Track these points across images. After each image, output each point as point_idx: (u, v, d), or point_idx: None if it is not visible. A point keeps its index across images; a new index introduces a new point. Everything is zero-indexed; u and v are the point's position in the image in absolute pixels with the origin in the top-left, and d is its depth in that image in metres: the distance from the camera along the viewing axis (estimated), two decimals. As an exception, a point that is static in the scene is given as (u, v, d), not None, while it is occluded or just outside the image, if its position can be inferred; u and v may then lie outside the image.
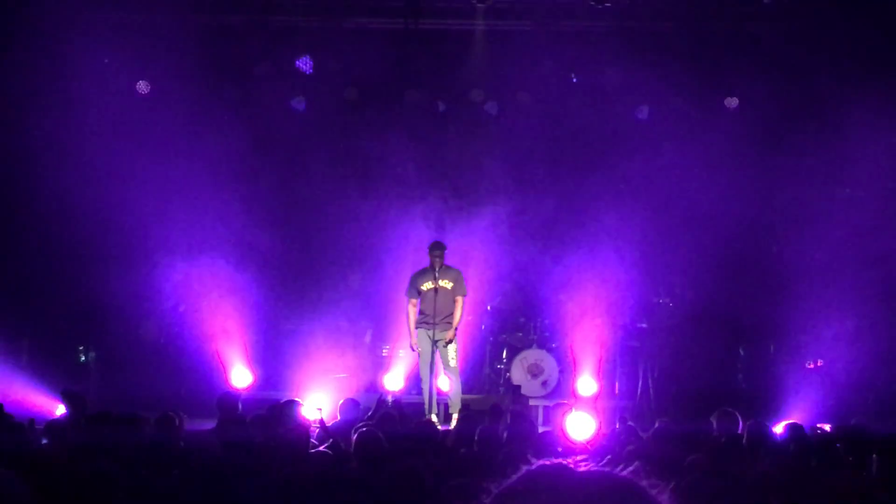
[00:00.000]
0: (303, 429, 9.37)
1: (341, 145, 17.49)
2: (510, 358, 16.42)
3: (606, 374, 16.15)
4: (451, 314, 14.15)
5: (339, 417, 11.28)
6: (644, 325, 16.48)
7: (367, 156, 17.36)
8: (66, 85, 16.07)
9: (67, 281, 16.24)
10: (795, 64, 16.13)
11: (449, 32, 16.91)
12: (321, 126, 17.41)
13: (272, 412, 9.90)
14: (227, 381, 15.71)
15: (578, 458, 2.86)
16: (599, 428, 10.75)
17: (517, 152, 17.23)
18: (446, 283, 14.14)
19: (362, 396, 13.55)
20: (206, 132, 17.05)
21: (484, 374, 16.75)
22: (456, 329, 14.19)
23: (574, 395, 15.54)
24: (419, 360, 14.34)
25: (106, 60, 16.65)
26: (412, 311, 14.31)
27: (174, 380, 15.72)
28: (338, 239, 17.47)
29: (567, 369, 16.18)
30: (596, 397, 15.56)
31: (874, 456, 8.15)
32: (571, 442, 9.23)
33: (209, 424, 10.62)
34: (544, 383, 16.13)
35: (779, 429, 10.15)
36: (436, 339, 14.01)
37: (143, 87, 16.98)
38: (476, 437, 9.15)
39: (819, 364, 15.98)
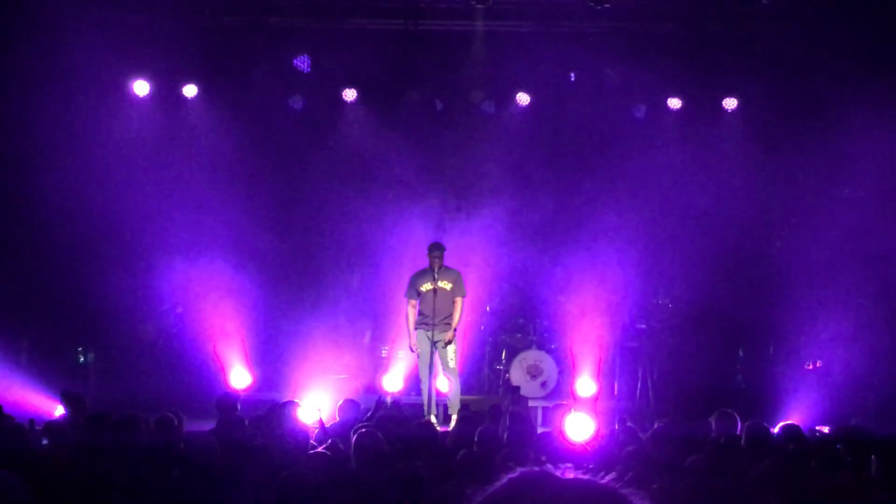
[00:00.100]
0: (301, 430, 9.37)
1: (340, 146, 17.49)
2: (509, 359, 16.41)
3: (605, 375, 16.15)
4: (451, 315, 14.14)
5: (337, 418, 11.27)
6: (643, 326, 16.48)
7: (367, 157, 17.36)
8: (65, 85, 16.06)
9: (66, 282, 16.23)
10: (794, 64, 16.13)
11: (448, 33, 16.90)
12: (320, 127, 17.42)
13: (271, 413, 9.89)
14: (226, 381, 15.71)
15: (561, 465, 2.89)
16: (598, 429, 10.74)
17: (516, 153, 17.23)
18: (445, 284, 14.13)
19: (361, 397, 13.55)
20: (204, 133, 17.08)
21: (483, 375, 16.75)
22: (455, 330, 14.18)
23: (573, 395, 15.54)
24: (418, 361, 14.34)
25: (104, 61, 16.64)
26: (411, 312, 14.30)
27: (173, 380, 15.72)
28: (337, 240, 17.48)
29: (566, 370, 16.18)
30: (595, 398, 15.56)
31: (873, 457, 8.14)
32: (570, 443, 9.22)
33: (208, 425, 10.61)
34: (543, 384, 16.13)
35: (777, 429, 10.15)
36: (435, 339, 14.01)
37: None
38: (476, 439, 9.14)
39: (818, 365, 15.99)
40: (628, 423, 11.25)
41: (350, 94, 17.35)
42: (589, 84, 17.02)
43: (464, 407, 13.74)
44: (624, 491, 2.85)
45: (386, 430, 9.08)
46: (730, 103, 17.00)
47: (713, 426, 10.01)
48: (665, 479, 7.51)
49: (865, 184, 15.99)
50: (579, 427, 10.27)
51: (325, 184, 17.18)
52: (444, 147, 17.58)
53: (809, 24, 15.77)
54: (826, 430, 11.11)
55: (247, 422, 10.26)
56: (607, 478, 2.87)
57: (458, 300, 14.21)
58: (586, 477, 2.86)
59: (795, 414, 13.37)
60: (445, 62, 17.10)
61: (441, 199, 17.25)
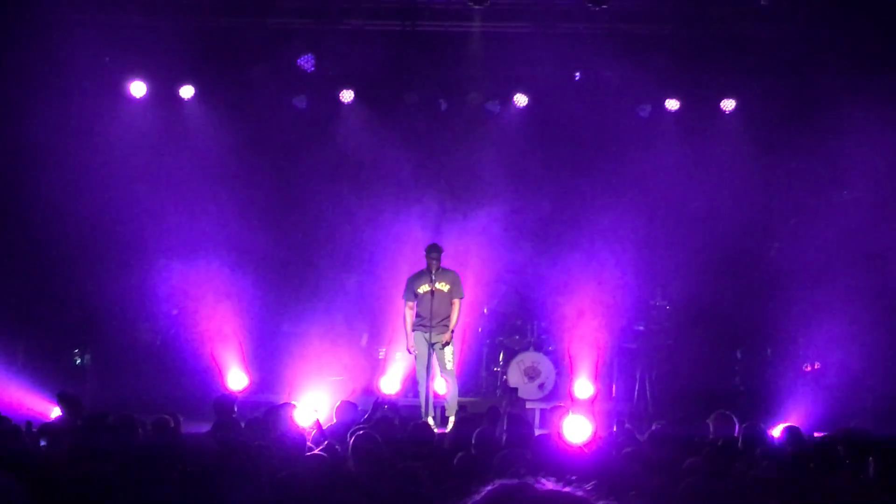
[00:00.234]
0: (298, 432, 9.35)
1: (338, 147, 17.48)
2: (507, 361, 16.40)
3: (603, 377, 16.14)
4: (448, 317, 14.13)
5: (335, 420, 11.26)
6: (641, 328, 16.48)
7: (364, 158, 17.36)
8: (63, 86, 16.05)
9: (64, 283, 16.22)
10: (792, 66, 16.14)
11: (445, 34, 16.90)
12: (318, 128, 17.41)
13: (268, 415, 9.88)
14: (222, 383, 15.70)
15: (540, 477, 2.96)
16: (596, 431, 10.73)
17: (514, 154, 17.23)
18: (443, 286, 14.12)
19: (359, 399, 13.53)
20: (201, 134, 17.06)
21: (481, 377, 16.74)
22: (453, 331, 14.17)
23: (571, 397, 15.53)
24: (416, 363, 14.33)
25: (103, 62, 16.64)
26: (409, 314, 14.29)
27: (170, 382, 15.70)
28: (334, 241, 17.48)
29: (564, 372, 16.17)
30: (593, 400, 15.56)
31: (870, 458, 8.14)
32: (568, 445, 9.21)
33: (205, 427, 10.60)
34: (541, 386, 16.12)
35: (776, 431, 10.14)
36: (432, 341, 13.99)
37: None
38: (473, 440, 9.13)
39: (816, 367, 15.98)
40: (626, 425, 11.24)
41: (347, 95, 17.35)
42: (587, 85, 17.02)
43: (461, 409, 13.73)
44: (599, 502, 2.93)
45: (383, 432, 9.06)
46: (728, 104, 17.01)
47: (711, 428, 10.00)
48: (663, 480, 7.50)
49: (863, 185, 16.00)
50: (577, 429, 10.25)
51: (323, 185, 17.17)
52: (441, 148, 17.58)
53: (807, 25, 15.79)
54: (822, 434, 11.07)
55: (243, 424, 10.24)
56: (586, 488, 2.92)
57: (456, 302, 14.20)
58: (565, 489, 2.92)
59: (793, 416, 13.37)
60: (443, 63, 17.10)
61: (439, 200, 17.25)
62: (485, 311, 16.89)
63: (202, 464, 7.97)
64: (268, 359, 16.31)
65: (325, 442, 9.31)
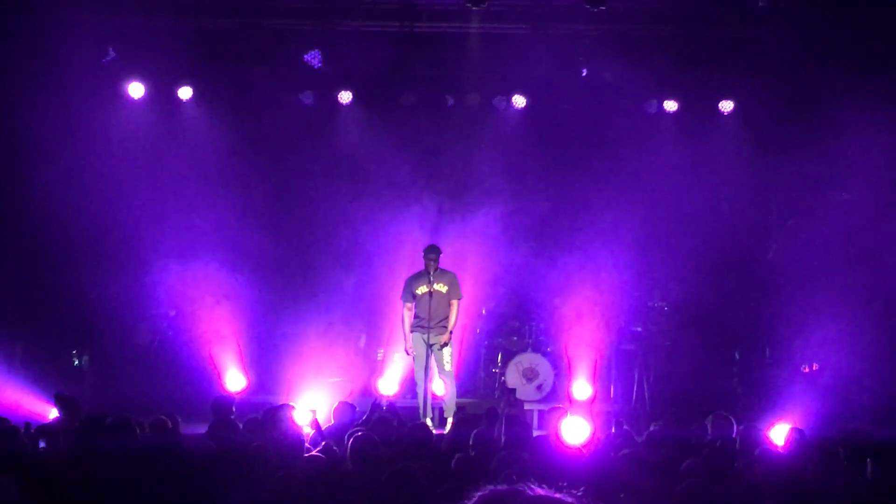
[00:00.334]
0: (297, 433, 9.35)
1: (336, 148, 17.49)
2: (505, 362, 16.41)
3: (601, 378, 16.15)
4: (447, 318, 14.13)
5: (333, 421, 11.25)
6: (639, 329, 16.49)
7: (362, 158, 17.36)
8: (62, 87, 16.03)
9: (61, 284, 16.21)
10: (790, 67, 16.15)
11: (444, 35, 16.89)
12: (316, 129, 17.40)
13: (266, 416, 9.88)
14: (220, 384, 15.69)
15: (531, 483, 2.98)
16: (594, 432, 10.72)
17: (512, 155, 17.24)
18: (441, 287, 14.12)
19: (357, 400, 13.52)
20: (199, 135, 17.07)
21: (479, 378, 16.74)
22: (451, 333, 14.17)
23: (569, 399, 15.53)
24: (414, 364, 14.32)
25: (102, 63, 16.64)
26: (407, 315, 14.29)
27: (168, 383, 15.69)
28: (332, 242, 17.48)
29: (562, 373, 16.18)
30: (591, 401, 15.55)
31: (868, 460, 8.15)
32: (566, 446, 9.21)
33: (203, 428, 10.58)
34: (539, 387, 16.12)
35: (776, 432, 10.14)
36: (431, 342, 13.99)
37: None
38: (471, 441, 9.12)
39: (814, 368, 15.98)
40: (624, 427, 11.24)
41: (346, 96, 17.36)
42: (585, 86, 17.01)
43: (459, 410, 13.73)
44: None
45: (381, 433, 9.06)
46: (726, 105, 17.03)
47: (709, 429, 10.01)
48: (660, 481, 7.50)
49: (861, 186, 16.01)
50: (575, 430, 10.25)
51: (321, 186, 17.17)
52: (439, 149, 17.58)
53: (805, 27, 15.79)
54: (820, 435, 11.07)
55: (241, 425, 10.23)
56: (577, 494, 2.95)
57: (454, 303, 14.20)
58: (556, 495, 2.95)
59: (791, 417, 13.37)
60: (441, 64, 17.10)
61: (437, 201, 17.25)
62: (483, 311, 16.89)
63: (200, 465, 7.97)
64: (266, 360, 16.31)
65: (323, 443, 9.31)
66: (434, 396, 14.23)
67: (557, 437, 9.78)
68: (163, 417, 9.92)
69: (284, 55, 17.04)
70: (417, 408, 14.07)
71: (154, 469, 7.90)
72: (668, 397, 15.51)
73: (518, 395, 14.76)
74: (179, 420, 10.31)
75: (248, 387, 15.93)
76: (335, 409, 11.45)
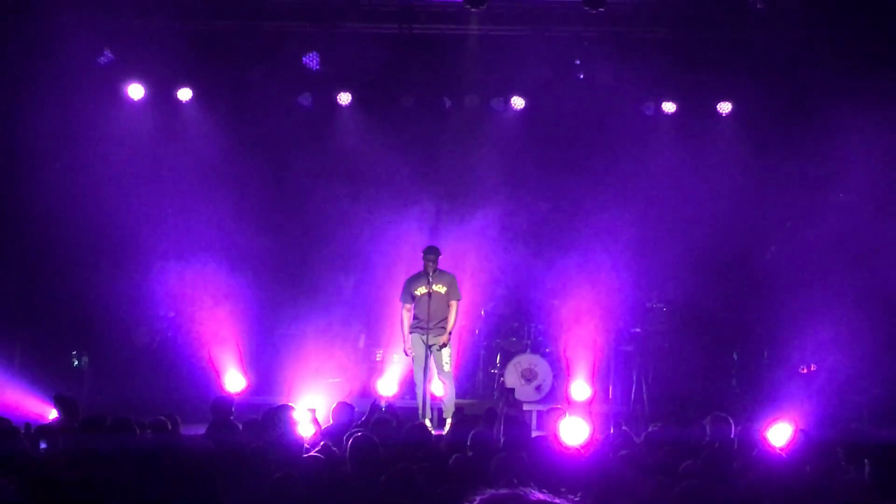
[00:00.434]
0: (296, 434, 9.37)
1: (335, 149, 17.50)
2: (504, 363, 16.42)
3: (600, 379, 16.16)
4: (446, 318, 14.15)
5: (331, 421, 11.26)
6: (638, 330, 16.50)
7: (362, 160, 17.37)
8: (61, 89, 16.05)
9: (61, 285, 16.22)
10: (788, 69, 16.16)
11: (442, 37, 16.91)
12: (314, 131, 17.42)
13: (266, 417, 9.89)
14: (220, 385, 15.69)
15: (530, 487, 3.00)
16: (593, 433, 10.74)
17: (511, 157, 17.25)
18: (440, 288, 14.14)
19: (356, 401, 13.52)
20: (199, 136, 17.08)
21: (478, 379, 16.75)
22: (450, 333, 14.19)
23: (568, 399, 15.54)
24: (413, 365, 14.34)
25: (101, 64, 16.65)
26: (406, 316, 14.30)
27: (167, 384, 15.70)
28: (331, 243, 17.49)
29: (561, 374, 16.19)
30: (590, 402, 15.57)
31: (866, 460, 8.16)
32: (565, 447, 9.22)
33: (203, 429, 10.60)
34: (538, 388, 16.13)
35: (775, 433, 10.15)
36: (430, 343, 14.01)
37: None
38: (469, 442, 9.14)
39: (812, 369, 16.00)
40: (623, 427, 11.26)
41: (345, 98, 17.37)
42: (584, 88, 17.02)
43: (458, 410, 13.75)
44: None
45: (381, 434, 9.08)
46: (724, 107, 17.05)
47: (707, 430, 10.02)
48: (659, 482, 7.52)
49: (859, 187, 16.03)
50: (574, 431, 10.27)
51: (320, 187, 17.17)
52: (438, 150, 17.61)
53: (803, 29, 15.80)
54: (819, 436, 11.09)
55: (241, 425, 10.24)
56: (575, 500, 2.98)
57: (453, 303, 14.22)
58: (556, 500, 2.97)
59: (789, 417, 13.38)
60: (440, 66, 17.11)
61: (435, 202, 17.28)
62: (482, 312, 16.91)
63: (200, 465, 7.98)
64: (265, 361, 16.32)
65: (322, 443, 9.33)
66: (433, 397, 14.24)
67: (556, 437, 9.80)
68: (162, 418, 9.93)
69: (283, 57, 17.06)
70: (416, 408, 14.09)
71: (153, 470, 7.92)
72: (666, 398, 15.52)
73: (517, 396, 14.77)
74: (179, 421, 10.33)
75: (247, 387, 15.95)
76: (334, 409, 11.45)
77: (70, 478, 7.31)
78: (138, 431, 8.89)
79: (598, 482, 7.57)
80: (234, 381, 15.91)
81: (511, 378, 16.08)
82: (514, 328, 16.87)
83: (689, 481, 7.13)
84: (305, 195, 17.37)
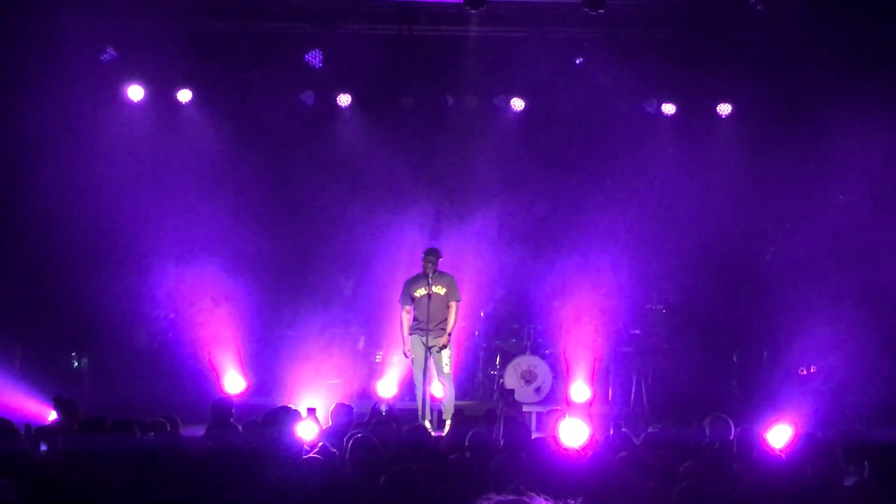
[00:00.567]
0: (296, 435, 9.37)
1: (335, 151, 17.50)
2: (503, 364, 16.42)
3: (600, 381, 16.17)
4: (445, 320, 14.15)
5: (330, 422, 11.26)
6: (637, 331, 16.50)
7: (361, 161, 17.38)
8: (61, 90, 16.05)
9: (61, 286, 16.20)
10: (789, 70, 16.17)
11: (442, 38, 16.91)
12: (314, 132, 17.42)
13: (265, 419, 9.90)
14: (220, 386, 15.70)
15: (535, 493, 3.01)
16: (593, 434, 10.74)
17: (510, 158, 17.26)
18: (440, 289, 14.15)
19: (355, 402, 13.52)
20: (199, 138, 17.08)
21: (477, 381, 16.75)
22: (450, 335, 14.19)
23: (567, 401, 15.56)
24: (413, 367, 14.34)
25: (101, 66, 16.65)
26: (405, 318, 14.31)
27: (167, 386, 15.69)
28: (331, 244, 17.50)
29: (560, 375, 16.19)
30: (589, 403, 15.59)
31: (866, 461, 8.16)
32: (565, 448, 9.23)
33: (203, 430, 10.61)
34: (538, 389, 16.13)
35: (774, 434, 10.15)
36: (430, 345, 14.02)
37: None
38: (467, 443, 9.15)
39: (811, 370, 16.00)
40: (622, 429, 11.25)
41: (345, 99, 17.38)
42: (583, 89, 17.03)
43: (458, 412, 13.74)
44: None
45: (381, 436, 9.08)
46: (724, 109, 17.05)
47: (707, 431, 10.01)
48: (659, 484, 7.52)
49: (859, 188, 16.03)
50: (573, 432, 10.26)
51: (320, 189, 17.18)
52: (438, 151, 17.62)
53: (802, 30, 15.81)
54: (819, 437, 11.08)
55: (241, 427, 10.25)
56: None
57: (453, 305, 14.23)
58: None
59: (789, 419, 13.38)
60: (440, 67, 17.11)
61: (435, 203, 17.29)
62: (481, 314, 16.91)
63: (200, 466, 7.99)
64: (265, 362, 16.32)
65: (320, 444, 9.33)
66: (433, 398, 14.25)
67: (556, 439, 9.80)
68: (162, 419, 9.93)
69: (284, 58, 17.07)
70: (416, 410, 14.09)
71: (153, 471, 7.92)
72: (666, 399, 15.53)
73: (516, 398, 14.77)
74: (179, 422, 10.34)
75: (247, 389, 15.95)
76: (332, 410, 11.46)
77: (70, 479, 7.32)
78: (138, 433, 8.90)
79: (597, 483, 7.58)
80: (233, 382, 15.92)
81: (511, 379, 16.08)
82: (514, 330, 16.87)
83: (689, 482, 7.13)
84: (305, 196, 17.38)
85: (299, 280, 17.43)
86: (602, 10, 15.38)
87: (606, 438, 10.63)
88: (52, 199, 15.55)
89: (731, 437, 9.78)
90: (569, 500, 3.01)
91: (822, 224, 15.95)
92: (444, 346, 14.11)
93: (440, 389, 14.26)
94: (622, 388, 16.29)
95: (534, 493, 3.02)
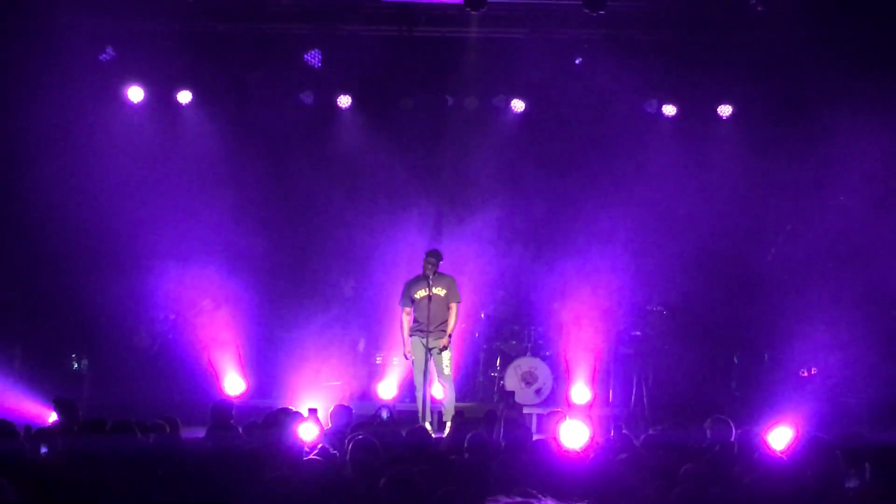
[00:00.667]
0: (296, 436, 9.36)
1: (335, 152, 17.50)
2: (504, 366, 16.42)
3: (600, 382, 16.15)
4: (446, 321, 14.15)
5: (330, 424, 11.26)
6: (638, 333, 16.48)
7: (361, 163, 17.38)
8: (61, 91, 16.05)
9: (60, 288, 16.20)
10: (789, 72, 16.17)
11: (442, 39, 16.91)
12: (314, 133, 17.42)
13: (266, 420, 9.89)
14: (220, 388, 15.69)
15: (542, 497, 3.01)
16: (593, 436, 10.73)
17: (511, 159, 17.27)
18: (440, 291, 14.15)
19: (355, 404, 13.53)
20: (199, 139, 17.08)
21: (478, 382, 16.74)
22: (450, 336, 14.18)
23: (568, 403, 15.55)
24: (413, 368, 14.33)
25: (101, 67, 16.65)
26: (406, 320, 14.31)
27: (167, 387, 15.68)
28: (331, 246, 17.50)
29: (561, 377, 16.18)
30: (590, 405, 15.58)
31: (867, 464, 8.15)
32: (565, 450, 9.22)
33: (203, 432, 10.60)
34: (538, 391, 16.13)
35: (775, 436, 10.14)
36: (430, 346, 14.01)
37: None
38: (466, 444, 9.14)
39: (812, 372, 15.99)
40: (623, 431, 11.24)
41: (345, 100, 17.37)
42: (584, 90, 17.02)
43: (458, 414, 13.73)
44: None
45: (381, 437, 9.07)
46: (724, 110, 17.05)
47: (708, 433, 10.00)
48: (659, 486, 7.51)
49: (859, 189, 16.02)
50: (574, 434, 10.25)
51: (320, 190, 17.18)
52: (438, 153, 17.62)
53: (803, 31, 15.80)
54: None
55: (241, 429, 10.24)
56: None
57: (453, 306, 14.23)
58: None
59: (790, 421, 13.36)
60: (440, 68, 17.11)
61: (435, 205, 17.29)
62: (482, 315, 16.90)
63: (200, 468, 7.98)
64: (265, 364, 16.31)
65: (320, 446, 9.33)
66: (433, 400, 14.24)
67: (556, 440, 9.79)
68: (162, 421, 9.92)
69: (284, 59, 17.06)
70: (416, 412, 14.09)
71: (153, 472, 7.92)
72: (666, 401, 15.52)
73: (517, 399, 14.75)
74: (179, 423, 10.33)
75: (247, 390, 15.95)
76: (332, 411, 11.46)
77: (70, 480, 7.31)
78: (138, 434, 8.89)
79: (598, 485, 7.57)
80: (233, 384, 15.91)
81: (511, 381, 16.08)
82: (515, 331, 16.86)
83: (690, 484, 7.13)
84: (305, 197, 17.38)
85: (299, 281, 17.42)
86: (602, 11, 15.36)
87: (607, 440, 10.61)
88: (52, 200, 15.55)
89: (732, 439, 9.77)
90: (573, 503, 3.01)
91: (822, 225, 15.95)
92: (445, 348, 14.11)
93: (440, 391, 14.25)
94: (623, 389, 16.27)
95: (541, 496, 3.03)
